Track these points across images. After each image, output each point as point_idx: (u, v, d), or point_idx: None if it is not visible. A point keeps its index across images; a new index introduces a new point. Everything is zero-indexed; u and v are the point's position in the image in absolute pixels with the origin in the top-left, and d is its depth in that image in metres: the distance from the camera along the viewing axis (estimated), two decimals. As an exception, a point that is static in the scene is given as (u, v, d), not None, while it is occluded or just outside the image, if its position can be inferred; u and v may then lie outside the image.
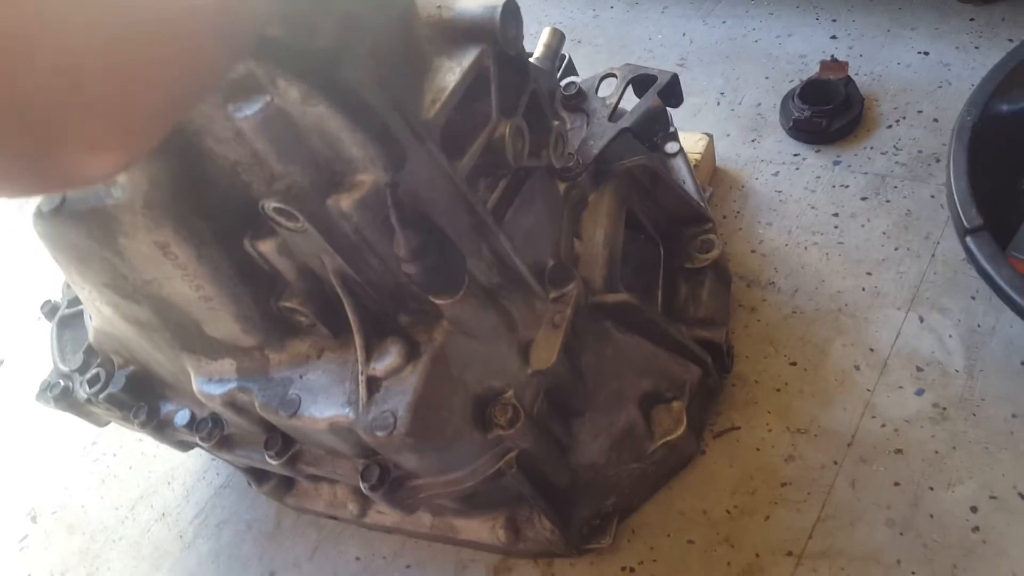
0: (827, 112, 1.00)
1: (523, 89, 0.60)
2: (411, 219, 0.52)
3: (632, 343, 0.74)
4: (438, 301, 0.57)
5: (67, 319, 0.82)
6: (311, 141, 0.48)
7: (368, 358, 0.59)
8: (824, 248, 0.92)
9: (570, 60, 0.86)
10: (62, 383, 0.78)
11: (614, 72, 0.79)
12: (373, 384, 0.59)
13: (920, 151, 0.97)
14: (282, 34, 0.38)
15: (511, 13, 0.54)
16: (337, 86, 0.44)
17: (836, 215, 0.94)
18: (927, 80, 1.04)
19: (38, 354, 0.88)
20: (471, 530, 0.79)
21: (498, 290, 0.62)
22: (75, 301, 0.84)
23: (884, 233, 0.91)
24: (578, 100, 0.76)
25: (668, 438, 0.75)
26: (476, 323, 0.60)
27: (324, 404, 0.61)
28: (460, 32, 0.54)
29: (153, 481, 1.00)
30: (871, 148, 0.99)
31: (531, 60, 0.77)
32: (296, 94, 0.45)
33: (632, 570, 0.76)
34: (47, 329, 0.87)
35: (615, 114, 0.76)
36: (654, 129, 0.77)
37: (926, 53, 1.07)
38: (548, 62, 0.78)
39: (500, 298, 0.62)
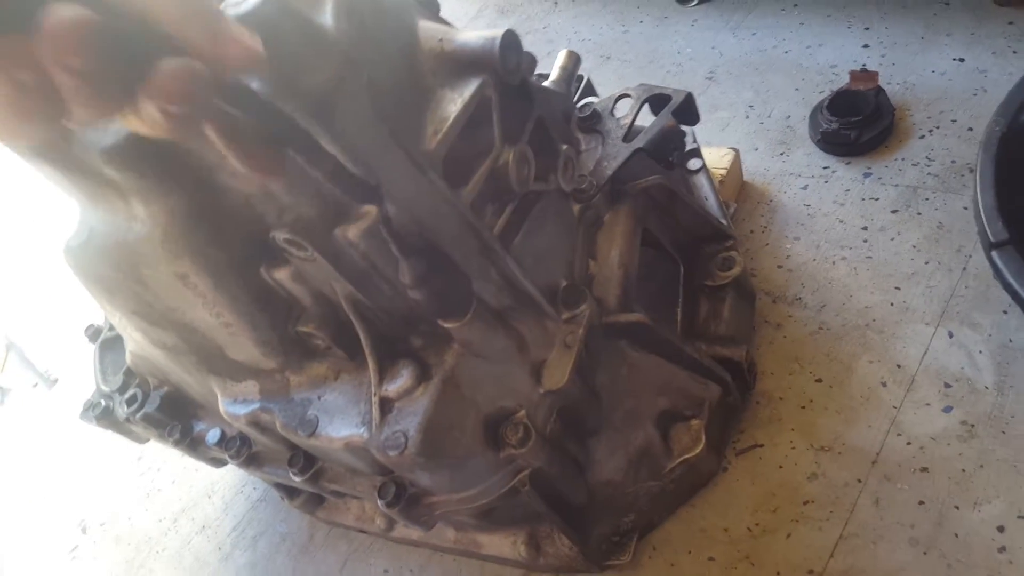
0: (856, 124, 0.99)
1: (528, 115, 0.62)
2: (416, 246, 0.54)
3: (648, 362, 0.74)
4: (446, 325, 0.58)
5: (109, 342, 0.87)
6: (314, 175, 0.50)
7: (381, 380, 0.61)
8: (852, 263, 0.91)
9: (589, 81, 0.87)
10: (103, 403, 0.82)
11: (629, 92, 0.79)
12: (386, 405, 0.61)
13: (953, 161, 0.95)
14: (272, 79, 0.40)
15: (510, 45, 0.55)
16: (331, 123, 0.46)
17: (865, 228, 0.93)
18: (962, 88, 1.01)
19: (89, 374, 0.93)
20: (493, 545, 0.80)
21: (509, 312, 0.63)
22: (118, 323, 0.89)
23: (914, 247, 0.89)
24: (593, 121, 0.77)
25: (687, 456, 0.74)
26: (486, 345, 0.62)
27: (340, 424, 0.63)
28: (462, 64, 0.55)
29: (194, 495, 1.04)
30: (902, 159, 0.97)
31: (546, 84, 0.79)
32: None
33: (652, 588, 0.76)
34: (92, 352, 0.92)
35: (630, 134, 0.76)
36: (669, 148, 0.77)
37: (961, 60, 1.05)
38: (564, 84, 0.79)
39: (511, 320, 0.63)
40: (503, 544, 0.80)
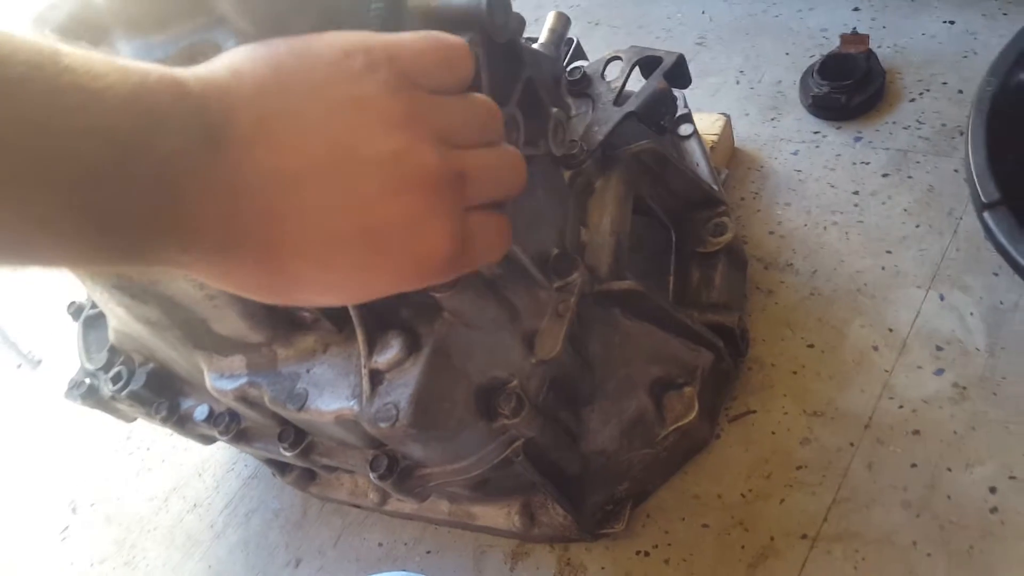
0: (847, 87, 0.98)
1: (518, 76, 0.60)
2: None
3: (641, 330, 0.73)
4: (436, 295, 0.57)
5: (92, 319, 0.85)
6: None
7: (370, 352, 0.60)
8: (844, 227, 0.90)
9: (578, 44, 0.85)
10: (88, 381, 0.81)
11: (619, 55, 0.78)
12: (376, 377, 0.60)
13: (944, 124, 0.94)
14: (251, 31, 0.38)
15: (498, 1, 0.54)
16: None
17: (856, 193, 0.92)
18: (952, 50, 1.00)
19: (73, 354, 0.92)
20: (487, 516, 0.80)
21: (499, 281, 0.62)
22: (101, 301, 0.87)
23: (905, 210, 0.88)
24: (583, 85, 0.76)
25: (680, 423, 0.74)
26: (477, 314, 0.61)
27: (330, 397, 0.62)
28: (448, 21, 0.53)
29: (184, 473, 1.04)
30: (893, 123, 0.96)
31: (535, 46, 0.77)
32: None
33: (647, 554, 0.76)
34: (75, 330, 0.90)
35: (621, 98, 0.75)
36: (660, 112, 0.76)
37: (951, 22, 1.03)
38: (552, 47, 0.77)
39: (501, 289, 0.62)
40: (497, 515, 0.79)
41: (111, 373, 0.78)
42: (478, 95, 0.42)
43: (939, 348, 0.77)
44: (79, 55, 0.30)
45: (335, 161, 0.35)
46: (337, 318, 0.63)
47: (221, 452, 1.02)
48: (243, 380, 0.66)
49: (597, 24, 1.29)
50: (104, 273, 0.60)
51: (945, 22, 1.04)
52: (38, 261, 0.32)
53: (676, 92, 0.83)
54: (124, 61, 0.31)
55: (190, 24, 0.40)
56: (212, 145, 0.32)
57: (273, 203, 0.34)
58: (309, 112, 0.34)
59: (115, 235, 0.31)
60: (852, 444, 0.75)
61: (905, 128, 0.95)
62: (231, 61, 0.35)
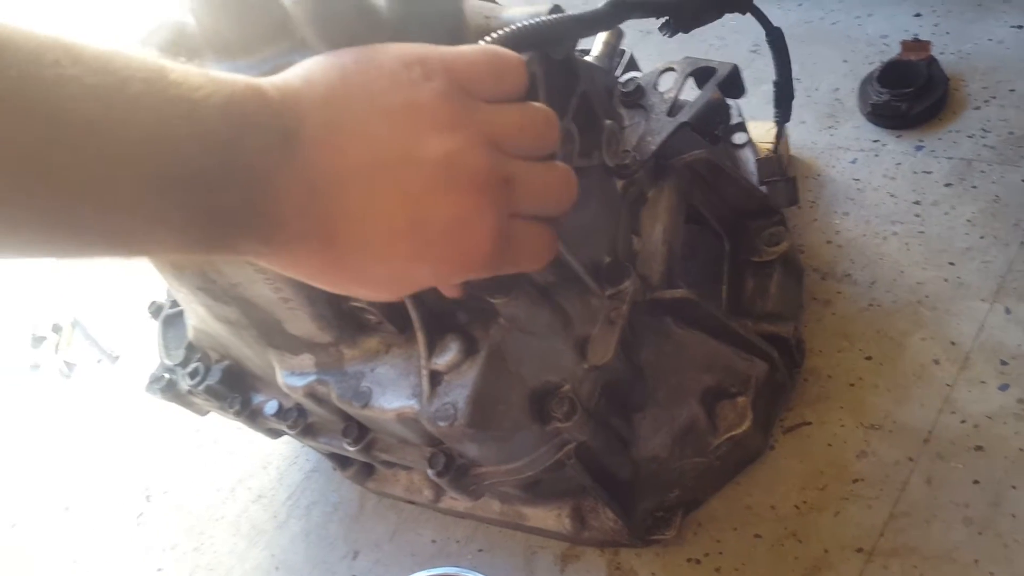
0: (908, 95, 0.97)
1: (573, 91, 0.62)
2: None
3: (693, 339, 0.74)
4: (493, 300, 0.60)
5: (170, 318, 0.90)
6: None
7: (430, 354, 0.63)
8: (904, 238, 0.89)
9: (632, 57, 0.87)
10: (167, 376, 0.86)
11: (673, 66, 0.79)
12: (435, 378, 0.63)
13: (1011, 132, 0.92)
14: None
15: (555, 20, 0.55)
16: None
17: (918, 203, 0.91)
18: (1020, 56, 0.98)
19: (149, 351, 0.97)
20: (538, 518, 0.81)
21: (553, 288, 0.64)
22: (177, 302, 0.92)
23: (969, 221, 0.87)
24: (636, 96, 0.77)
25: (733, 433, 0.75)
26: (531, 320, 0.63)
27: (392, 396, 0.65)
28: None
29: (250, 465, 1.08)
30: (956, 131, 0.95)
31: (588, 58, 0.78)
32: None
33: (698, 562, 0.77)
34: (155, 328, 0.95)
35: (674, 108, 0.76)
36: (714, 122, 0.77)
37: (1020, 27, 1.01)
38: (606, 60, 0.79)
39: (555, 295, 0.64)
40: (548, 517, 0.81)
41: (189, 369, 0.82)
42: (536, 104, 0.44)
43: (1004, 363, 0.76)
44: (180, 70, 0.34)
45: (391, 161, 0.38)
46: (399, 321, 0.66)
47: (284, 446, 1.07)
48: (312, 378, 0.69)
49: (648, 33, 1.29)
50: (190, 275, 0.64)
51: (1013, 27, 1.01)
52: (149, 252, 0.37)
53: (730, 102, 0.84)
54: (214, 73, 0.35)
55: (274, 48, 0.43)
56: (289, 146, 0.36)
57: (337, 199, 0.38)
58: (370, 117, 0.38)
59: (213, 228, 0.36)
60: (911, 458, 0.74)
61: (969, 137, 0.94)
62: (304, 70, 0.39)
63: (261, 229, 0.37)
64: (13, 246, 0.33)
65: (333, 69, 0.38)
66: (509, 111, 0.42)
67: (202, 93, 0.34)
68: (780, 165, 0.86)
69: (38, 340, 1.55)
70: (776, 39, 0.77)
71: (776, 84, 0.81)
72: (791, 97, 0.84)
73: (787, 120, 0.86)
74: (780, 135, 0.87)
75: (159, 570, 1.05)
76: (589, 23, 0.56)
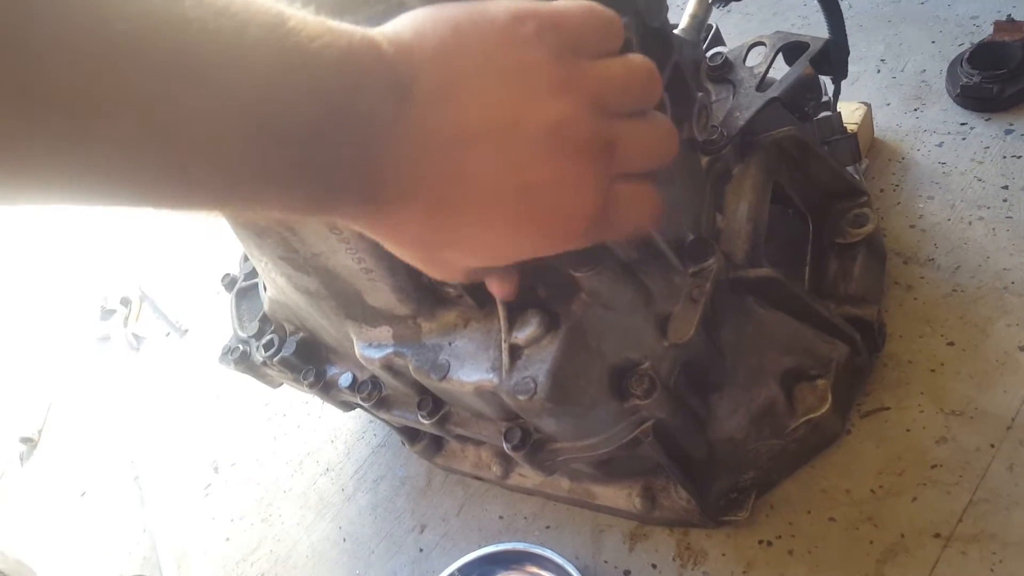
0: (1000, 77, 0.93)
1: (666, 61, 0.61)
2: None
3: (775, 319, 0.73)
4: (576, 274, 0.59)
5: (244, 291, 0.92)
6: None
7: (510, 328, 0.63)
8: (991, 223, 0.86)
9: (717, 30, 0.85)
10: (241, 348, 0.88)
11: (763, 40, 0.77)
12: (515, 352, 0.63)
13: (1108, 116, 0.88)
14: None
15: (652, -13, 0.55)
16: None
17: (1006, 188, 0.88)
18: (1121, 35, 0.93)
19: (216, 324, 0.99)
20: (607, 496, 0.81)
21: (636, 264, 0.63)
22: (251, 275, 0.94)
23: (1062, 206, 0.84)
24: (724, 71, 0.75)
25: (811, 416, 0.73)
26: (613, 296, 0.62)
27: (471, 369, 0.65)
28: (604, 3, 0.55)
29: (318, 439, 1.10)
30: (1050, 114, 0.91)
31: (675, 31, 0.77)
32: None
33: (769, 544, 0.76)
34: (224, 302, 0.97)
35: (763, 84, 0.74)
36: (805, 98, 0.75)
37: (1120, 5, 0.96)
38: (694, 32, 0.77)
39: (638, 272, 0.64)
40: (618, 496, 0.81)
41: (263, 340, 0.84)
42: (637, 56, 0.43)
43: (1096, 352, 0.73)
44: (298, 16, 0.33)
45: (503, 125, 0.37)
46: (478, 295, 0.66)
47: (352, 421, 1.08)
48: (389, 350, 0.70)
49: (729, 11, 1.27)
50: (272, 244, 0.65)
51: (1114, 6, 0.97)
52: (248, 209, 0.35)
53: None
54: (331, 22, 0.34)
55: (376, 8, 0.43)
56: (402, 102, 0.36)
57: (447, 160, 0.37)
58: (484, 76, 0.37)
59: (319, 184, 0.35)
60: (992, 445, 0.72)
61: (1064, 120, 0.90)
62: (414, 22, 0.38)
63: (368, 188, 0.36)
64: (116, 193, 0.32)
65: (444, 22, 0.37)
66: (614, 67, 0.41)
67: (320, 43, 0.33)
68: (840, 122, 0.84)
69: (107, 313, 1.60)
70: (825, -8, 0.75)
71: (828, 41, 0.78)
72: (847, 53, 0.82)
73: (843, 77, 0.84)
74: (837, 93, 0.85)
75: (227, 540, 1.07)
76: None
